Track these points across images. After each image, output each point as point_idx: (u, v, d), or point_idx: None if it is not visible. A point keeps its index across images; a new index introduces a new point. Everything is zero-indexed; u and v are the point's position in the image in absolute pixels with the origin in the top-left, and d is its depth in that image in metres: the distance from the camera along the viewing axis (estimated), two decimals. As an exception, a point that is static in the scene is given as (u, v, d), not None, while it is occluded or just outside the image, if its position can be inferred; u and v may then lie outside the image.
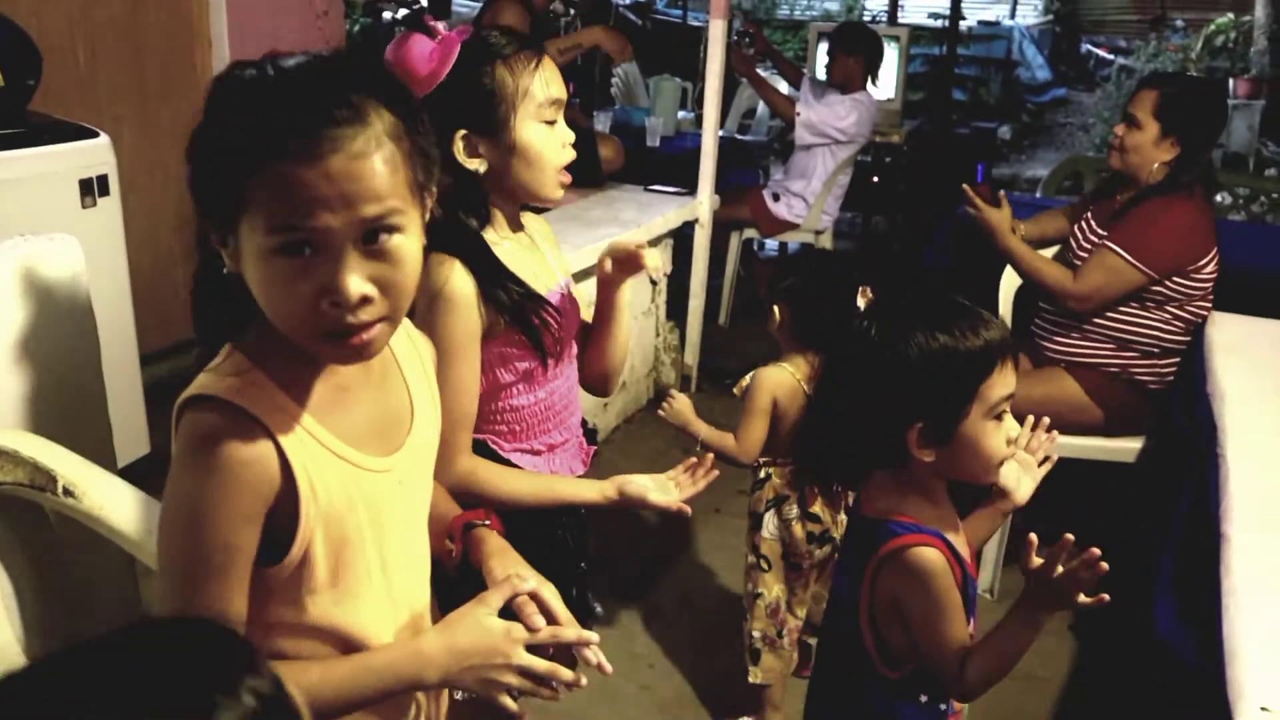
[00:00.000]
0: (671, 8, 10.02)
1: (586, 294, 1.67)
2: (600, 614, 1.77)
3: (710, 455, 1.59)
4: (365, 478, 1.04)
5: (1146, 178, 2.72)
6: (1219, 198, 6.89)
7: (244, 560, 0.97)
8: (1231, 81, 9.42)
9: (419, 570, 1.16)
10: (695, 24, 8.95)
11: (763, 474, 2.29)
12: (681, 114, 5.52)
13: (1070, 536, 1.24)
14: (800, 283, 2.21)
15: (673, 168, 4.28)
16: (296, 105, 0.90)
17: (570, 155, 1.51)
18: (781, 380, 2.20)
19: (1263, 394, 2.22)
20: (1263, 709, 1.26)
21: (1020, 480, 1.51)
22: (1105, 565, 1.23)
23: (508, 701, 1.11)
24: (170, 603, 0.97)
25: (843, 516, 2.24)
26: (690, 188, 3.95)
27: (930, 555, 1.32)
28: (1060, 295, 2.75)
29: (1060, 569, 1.24)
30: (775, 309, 2.22)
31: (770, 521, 2.27)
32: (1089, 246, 2.82)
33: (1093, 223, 2.89)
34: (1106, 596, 1.25)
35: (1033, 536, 1.29)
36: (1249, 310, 2.76)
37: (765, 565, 2.29)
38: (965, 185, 2.92)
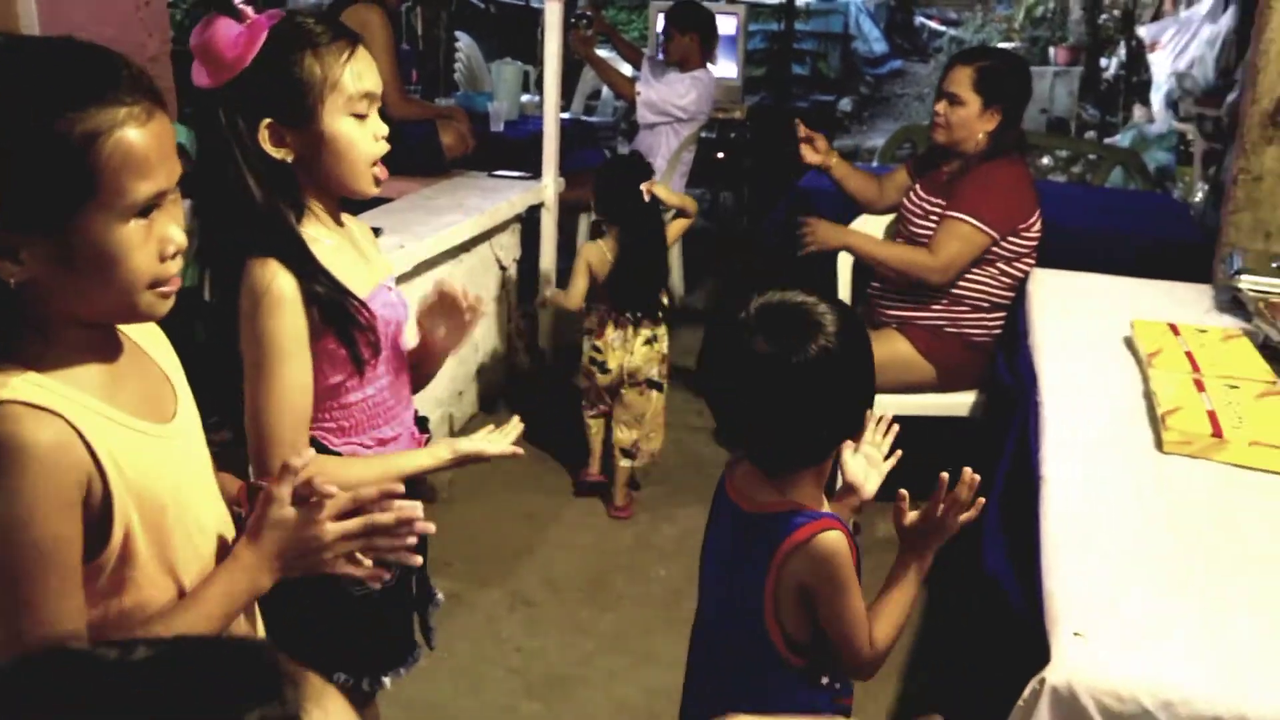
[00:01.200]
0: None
1: (422, 289, 1.67)
2: (440, 599, 1.78)
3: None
4: (158, 444, 1.07)
5: (973, 149, 2.86)
6: (1044, 160, 7.27)
7: (74, 550, 0.99)
8: (1052, 49, 9.91)
9: (225, 532, 1.19)
10: (537, 6, 8.90)
11: (586, 321, 3.22)
12: (525, 98, 5.49)
13: (945, 475, 1.35)
14: (600, 176, 3.24)
15: (517, 152, 4.26)
16: (121, 77, 0.96)
17: (383, 149, 1.49)
18: (594, 251, 3.15)
19: (1078, 345, 2.36)
20: (1075, 634, 1.36)
21: (868, 475, 1.54)
22: (978, 476, 1.35)
23: (355, 570, 1.15)
24: (10, 607, 0.98)
25: (623, 354, 3.16)
26: (535, 172, 3.95)
27: (836, 538, 1.33)
28: (923, 274, 2.88)
29: (942, 506, 1.34)
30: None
31: (585, 346, 3.22)
32: (921, 215, 2.95)
33: (922, 194, 3.01)
34: (983, 500, 1.36)
35: (903, 491, 1.38)
36: (1067, 266, 2.93)
37: (584, 381, 3.29)
38: (797, 119, 3.27)
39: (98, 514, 1.00)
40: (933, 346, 2.92)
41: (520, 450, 1.61)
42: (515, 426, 1.62)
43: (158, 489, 1.05)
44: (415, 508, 1.15)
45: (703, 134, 5.06)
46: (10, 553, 0.97)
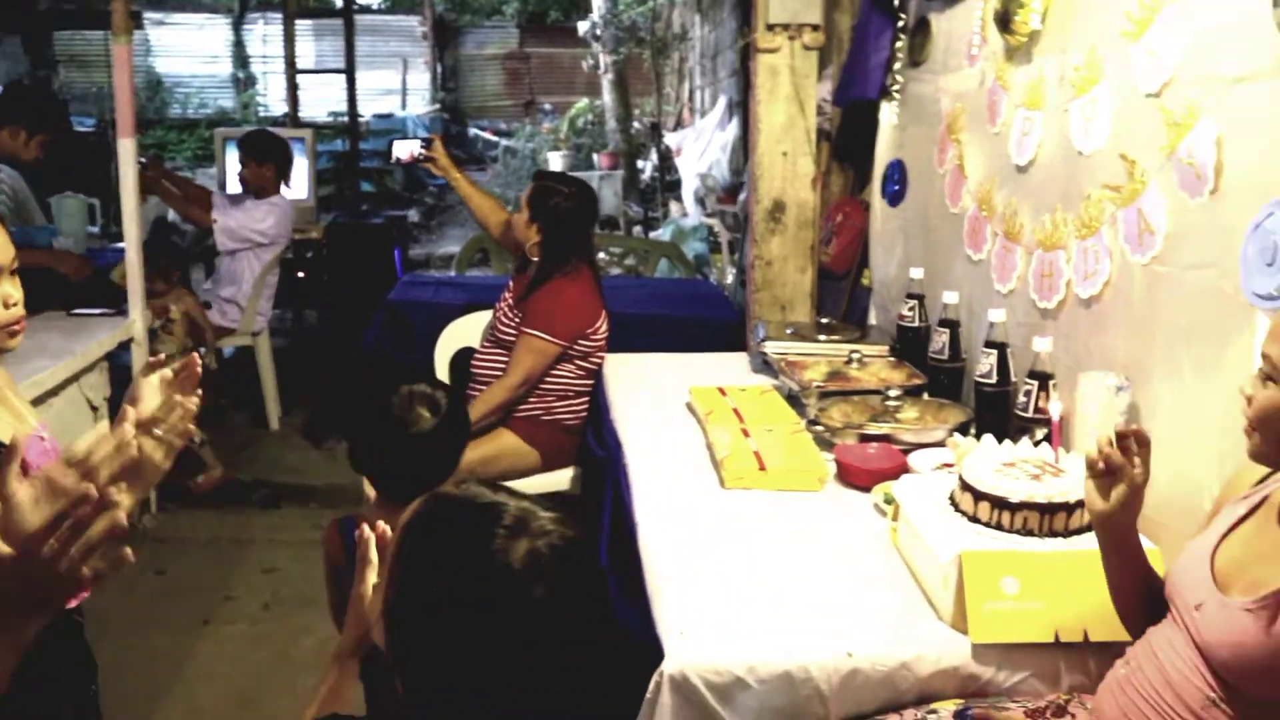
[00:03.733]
0: (81, 115, 9.35)
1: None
2: None
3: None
4: None
5: (535, 255, 3.30)
6: (601, 255, 8.08)
7: None
8: (595, 155, 10.99)
9: None
10: (83, 130, 8.50)
11: None
12: (90, 229, 5.33)
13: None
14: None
15: (92, 288, 4.17)
16: None
17: (15, 315, 1.59)
18: None
19: (650, 414, 2.83)
20: (681, 633, 1.73)
21: None
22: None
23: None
24: None
25: None
26: (115, 307, 3.90)
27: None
28: (506, 393, 3.23)
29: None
30: None
31: None
32: (508, 323, 3.34)
33: (510, 300, 3.41)
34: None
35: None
36: (633, 349, 3.45)
37: None
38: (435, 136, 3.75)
39: None
40: (534, 434, 3.30)
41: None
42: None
43: None
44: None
45: (284, 255, 5.19)
46: None
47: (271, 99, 13.49)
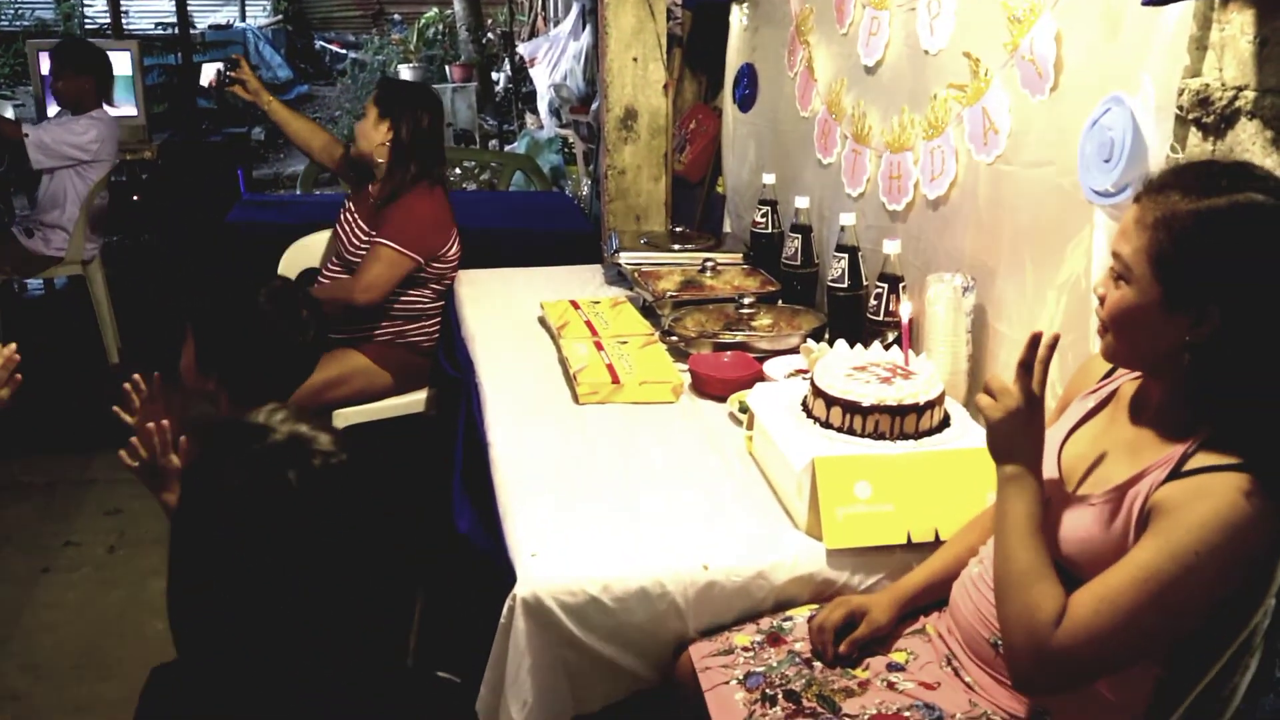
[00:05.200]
0: None
1: None
2: None
3: None
4: None
5: (384, 159, 3.14)
6: (455, 170, 7.84)
7: None
8: (448, 68, 10.61)
9: None
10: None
11: None
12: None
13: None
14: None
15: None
16: None
17: None
18: None
19: (502, 331, 2.75)
20: (532, 555, 1.68)
21: None
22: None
23: None
24: None
25: None
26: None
27: None
28: (351, 299, 3.09)
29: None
30: None
31: None
32: (353, 240, 3.18)
33: (356, 215, 3.25)
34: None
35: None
36: (486, 264, 3.34)
37: None
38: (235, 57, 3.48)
39: None
40: (385, 356, 3.17)
41: None
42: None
43: None
44: None
45: (114, 178, 4.85)
46: None
47: (96, 9, 12.56)
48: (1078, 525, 1.39)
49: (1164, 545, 1.26)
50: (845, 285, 2.41)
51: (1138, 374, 1.48)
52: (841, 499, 1.70)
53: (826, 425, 1.83)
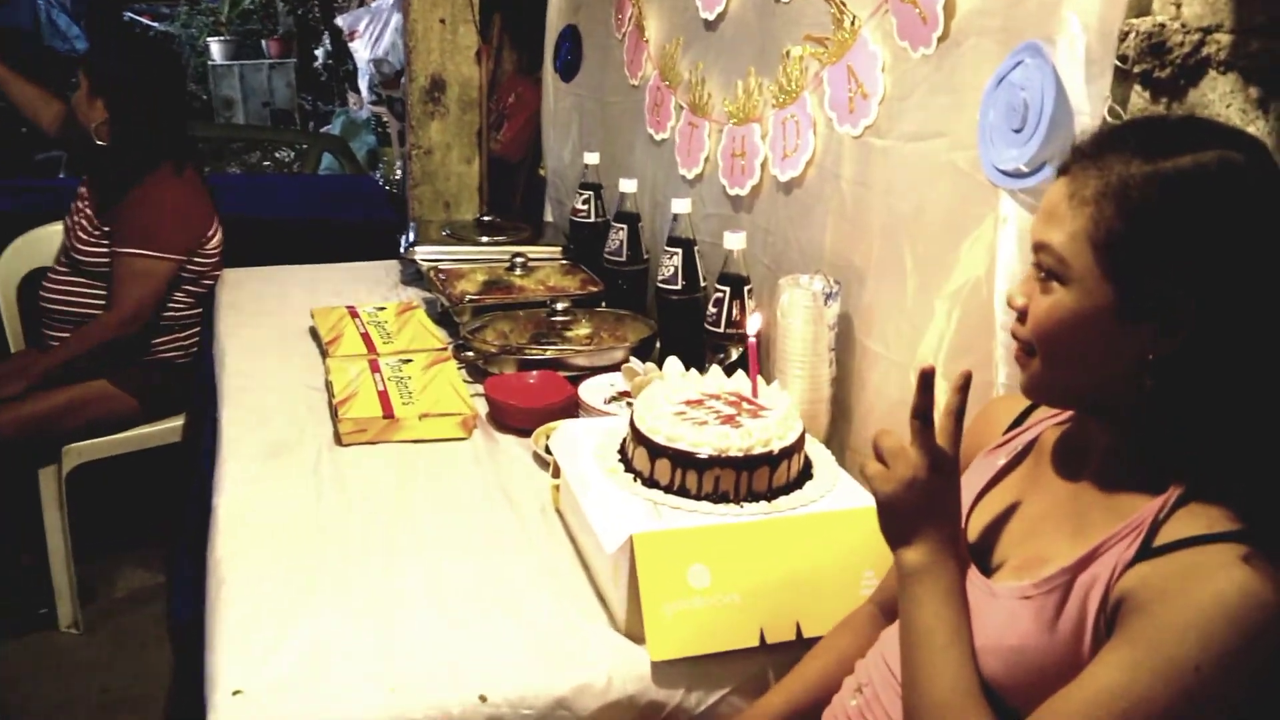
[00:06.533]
0: None
1: None
2: None
3: None
4: None
5: (99, 137, 2.54)
6: (279, 154, 7.12)
7: None
8: (265, 42, 9.79)
9: None
10: None
11: None
12: None
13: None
14: None
15: None
16: None
17: None
18: None
19: (263, 346, 2.19)
20: (234, 692, 1.18)
21: None
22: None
23: None
24: None
25: None
26: None
27: None
28: (112, 331, 2.51)
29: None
30: None
31: None
32: (88, 237, 2.57)
33: (86, 203, 2.62)
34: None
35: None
36: (272, 261, 2.76)
37: None
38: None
39: None
40: (129, 378, 2.57)
41: None
42: None
43: None
44: None
45: None
46: None
47: None
48: (1006, 629, 0.97)
49: (1145, 658, 0.84)
50: (679, 287, 1.96)
51: (1064, 415, 1.07)
52: (670, 591, 1.24)
53: (651, 483, 1.36)
